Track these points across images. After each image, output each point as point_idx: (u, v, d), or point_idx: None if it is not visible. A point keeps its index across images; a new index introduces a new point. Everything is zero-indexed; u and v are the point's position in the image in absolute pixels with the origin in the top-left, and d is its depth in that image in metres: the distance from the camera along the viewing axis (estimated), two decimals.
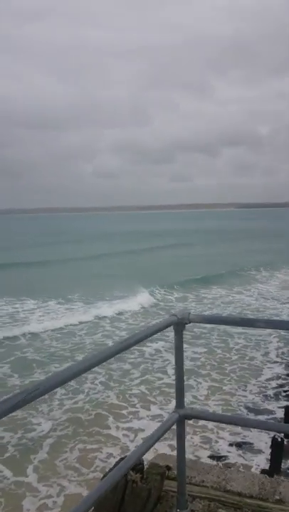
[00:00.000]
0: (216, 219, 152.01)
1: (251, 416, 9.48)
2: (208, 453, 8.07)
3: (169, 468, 3.07)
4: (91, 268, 34.21)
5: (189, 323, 2.33)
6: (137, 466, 2.72)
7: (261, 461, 7.76)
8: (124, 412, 9.67)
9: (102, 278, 28.64)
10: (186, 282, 25.75)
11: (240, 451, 8.14)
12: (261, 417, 9.37)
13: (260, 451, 8.05)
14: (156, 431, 2.38)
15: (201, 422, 9.11)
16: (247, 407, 9.86)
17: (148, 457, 3.36)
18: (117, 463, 2.56)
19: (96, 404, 9.98)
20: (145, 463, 2.97)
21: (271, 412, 9.64)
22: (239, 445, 8.29)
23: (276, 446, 7.27)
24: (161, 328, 2.29)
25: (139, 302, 20.44)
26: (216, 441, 8.34)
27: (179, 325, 2.37)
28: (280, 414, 9.37)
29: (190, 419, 2.47)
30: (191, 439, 8.33)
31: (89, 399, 10.27)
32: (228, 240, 58.70)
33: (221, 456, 7.98)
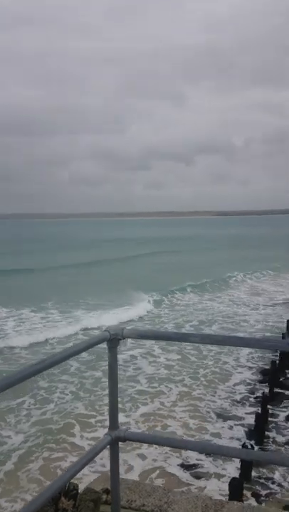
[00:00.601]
0: (193, 226, 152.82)
1: (219, 422, 9.42)
2: (179, 461, 7.94)
3: (108, 492, 2.79)
4: (68, 276, 33.56)
5: (123, 339, 2.20)
6: (71, 492, 2.49)
7: (232, 469, 7.67)
8: (91, 420, 9.50)
9: (82, 286, 28.10)
10: (163, 290, 25.59)
11: (210, 459, 8.04)
12: (224, 427, 9.28)
13: (230, 459, 7.93)
14: (85, 454, 2.15)
15: (170, 429, 8.99)
16: (215, 413, 9.80)
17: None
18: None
19: (65, 414, 9.76)
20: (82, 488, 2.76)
21: (240, 418, 9.61)
22: (209, 453, 8.16)
23: None
24: (92, 345, 2.11)
25: (120, 312, 20.24)
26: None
27: (113, 341, 2.21)
28: (249, 420, 9.33)
29: (124, 441, 2.27)
30: (161, 447, 8.19)
31: (58, 409, 10.04)
32: (204, 248, 58.79)
33: (192, 465, 7.86)
